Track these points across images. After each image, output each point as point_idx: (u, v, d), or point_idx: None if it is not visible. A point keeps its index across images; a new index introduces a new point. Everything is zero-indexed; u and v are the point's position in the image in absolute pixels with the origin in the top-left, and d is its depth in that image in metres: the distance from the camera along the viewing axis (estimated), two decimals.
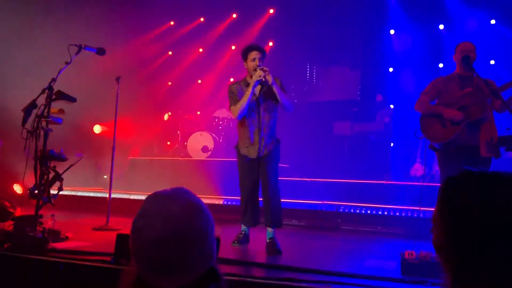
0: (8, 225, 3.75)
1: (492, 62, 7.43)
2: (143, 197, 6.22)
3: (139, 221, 1.07)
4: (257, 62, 4.00)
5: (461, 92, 3.71)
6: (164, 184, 1.20)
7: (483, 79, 3.56)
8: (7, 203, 4.04)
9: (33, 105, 3.84)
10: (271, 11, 9.14)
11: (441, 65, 7.74)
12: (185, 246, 1.04)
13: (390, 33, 8.45)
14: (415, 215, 4.73)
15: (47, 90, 3.89)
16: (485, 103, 3.58)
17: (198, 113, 9.32)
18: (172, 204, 1.07)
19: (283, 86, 4.14)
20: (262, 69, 3.93)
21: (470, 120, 3.59)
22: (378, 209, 5.42)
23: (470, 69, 3.67)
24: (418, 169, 7.04)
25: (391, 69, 8.49)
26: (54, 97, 3.93)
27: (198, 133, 7.98)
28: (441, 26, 7.97)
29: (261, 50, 4.06)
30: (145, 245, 1.04)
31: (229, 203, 5.97)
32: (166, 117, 8.96)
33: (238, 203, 6.07)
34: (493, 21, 7.55)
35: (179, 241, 1.04)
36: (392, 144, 7.92)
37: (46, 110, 3.88)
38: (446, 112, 3.68)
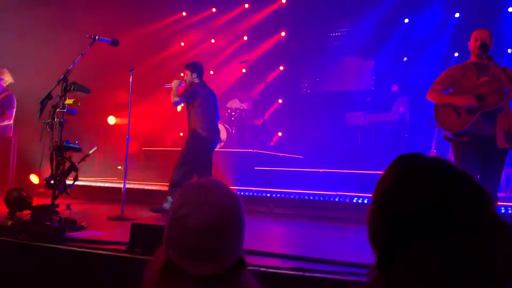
0: (25, 214, 3.81)
1: (510, 50, 7.28)
2: (157, 187, 6.29)
3: (182, 208, 1.08)
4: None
5: (477, 81, 3.64)
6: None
7: (500, 67, 3.49)
8: (24, 193, 4.11)
9: (48, 96, 3.89)
10: (283, 0, 9.06)
11: (456, 54, 7.61)
12: (227, 235, 1.07)
13: (404, 22, 8.32)
14: None
15: (62, 81, 3.93)
16: (502, 92, 3.50)
17: None
18: (216, 193, 1.10)
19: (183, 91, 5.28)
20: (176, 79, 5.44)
21: (487, 109, 3.52)
22: None
23: (487, 57, 3.60)
24: None
25: (405, 59, 8.37)
26: (69, 88, 3.96)
27: None
28: (457, 15, 7.83)
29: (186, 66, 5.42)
30: (188, 232, 1.05)
31: (242, 193, 5.98)
32: (179, 108, 8.97)
33: (252, 194, 6.13)
34: (510, 9, 7.39)
35: (223, 230, 1.06)
36: (406, 135, 7.84)
37: (61, 101, 3.92)
38: (460, 99, 3.61)
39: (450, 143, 3.80)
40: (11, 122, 6.11)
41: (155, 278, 1.08)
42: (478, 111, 3.54)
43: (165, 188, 5.41)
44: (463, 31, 7.35)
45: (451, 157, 5.56)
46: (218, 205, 1.08)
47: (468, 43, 3.80)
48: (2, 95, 5.91)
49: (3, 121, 5.97)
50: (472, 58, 3.78)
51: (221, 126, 7.91)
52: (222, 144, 7.80)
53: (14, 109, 6.11)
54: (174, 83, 5.33)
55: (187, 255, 1.06)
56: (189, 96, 5.25)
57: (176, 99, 5.27)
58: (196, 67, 5.38)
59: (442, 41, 7.67)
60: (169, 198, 5.04)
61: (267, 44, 9.27)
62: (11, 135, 6.20)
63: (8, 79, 6.08)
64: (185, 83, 5.35)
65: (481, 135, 3.56)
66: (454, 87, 3.77)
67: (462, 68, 3.80)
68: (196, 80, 5.35)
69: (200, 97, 5.23)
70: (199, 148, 5.21)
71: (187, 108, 5.37)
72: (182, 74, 5.48)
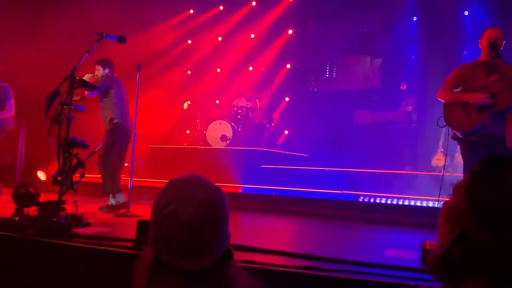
0: (33, 210, 3.83)
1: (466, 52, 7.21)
2: (163, 185, 6.29)
3: (170, 205, 1.08)
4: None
5: (487, 79, 3.60)
6: (184, 172, 1.21)
7: (510, 66, 3.45)
8: (31, 189, 4.13)
9: (56, 93, 3.90)
10: None
11: (465, 53, 7.54)
12: (216, 228, 1.09)
13: (413, 20, 8.26)
14: (436, 206, 4.66)
15: (69, 78, 3.94)
16: None
17: (217, 102, 9.34)
18: (201, 189, 1.10)
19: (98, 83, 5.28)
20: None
21: (497, 108, 3.48)
22: (398, 199, 5.36)
23: (497, 56, 3.56)
24: (440, 159, 6.91)
25: (413, 57, 8.32)
26: (76, 85, 3.98)
27: (217, 122, 8.00)
28: (466, 13, 7.75)
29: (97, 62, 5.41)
30: (179, 229, 1.06)
31: (248, 191, 5.98)
32: (185, 106, 8.99)
33: (257, 192, 6.12)
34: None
35: (210, 224, 1.08)
36: (413, 134, 7.79)
37: (68, 98, 3.93)
38: (473, 96, 3.56)
39: (458, 142, 3.77)
40: (12, 113, 6.04)
41: (144, 278, 1.08)
42: (488, 110, 3.50)
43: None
44: (472, 29, 7.31)
45: (459, 156, 5.52)
46: (206, 200, 1.09)
47: (479, 41, 3.75)
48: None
49: (4, 113, 5.91)
50: (482, 57, 3.74)
51: (227, 124, 7.91)
52: (228, 142, 7.81)
53: (13, 100, 6.05)
54: (85, 77, 5.20)
55: (178, 252, 1.06)
56: (104, 86, 5.26)
57: (89, 90, 5.23)
58: (107, 63, 5.42)
59: (451, 39, 7.59)
60: (118, 196, 5.15)
61: (274, 42, 9.26)
62: (14, 128, 6.14)
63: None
64: (96, 79, 5.34)
65: (490, 134, 3.53)
66: (463, 86, 3.74)
67: (472, 67, 3.76)
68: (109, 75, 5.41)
69: (114, 89, 5.29)
70: (121, 138, 5.30)
71: (102, 99, 5.35)
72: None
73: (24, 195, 4.00)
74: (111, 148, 5.20)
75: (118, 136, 5.28)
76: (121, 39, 4.61)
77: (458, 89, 3.78)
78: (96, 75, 5.38)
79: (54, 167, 3.99)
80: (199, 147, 7.92)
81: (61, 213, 3.70)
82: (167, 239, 1.07)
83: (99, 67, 5.40)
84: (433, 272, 0.94)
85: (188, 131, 9.27)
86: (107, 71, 5.39)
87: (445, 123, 3.73)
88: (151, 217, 1.14)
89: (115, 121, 5.25)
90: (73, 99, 4.00)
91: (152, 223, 1.12)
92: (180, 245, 1.06)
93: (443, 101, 3.78)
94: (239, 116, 8.25)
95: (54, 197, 3.85)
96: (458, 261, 0.89)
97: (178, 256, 1.06)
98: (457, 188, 0.95)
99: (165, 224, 1.08)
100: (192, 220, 1.06)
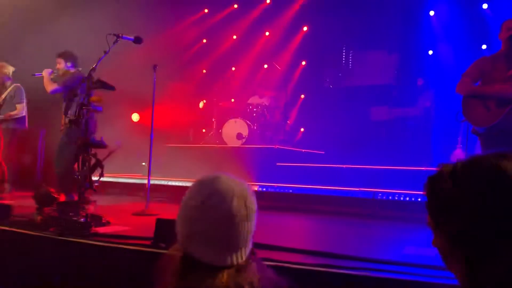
0: (53, 210, 3.90)
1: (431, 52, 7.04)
2: (180, 183, 6.34)
3: (210, 199, 1.09)
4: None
5: (507, 72, 3.52)
6: (200, 171, 1.22)
7: None
8: (51, 189, 4.21)
9: (74, 94, 3.96)
10: None
11: (484, 47, 7.40)
12: (250, 222, 1.12)
13: (429, 14, 8.13)
14: None
15: (87, 79, 3.99)
16: None
17: (232, 100, 9.35)
18: (236, 184, 1.13)
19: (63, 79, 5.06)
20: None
21: None
22: (416, 196, 5.29)
23: None
24: (458, 154, 6.81)
25: (430, 52, 8.19)
26: (94, 86, 4.03)
27: (232, 120, 8.01)
28: (485, 6, 7.60)
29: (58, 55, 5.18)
30: (218, 222, 1.07)
31: (264, 189, 5.98)
32: (201, 104, 9.04)
33: (273, 190, 6.11)
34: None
35: (249, 217, 1.11)
36: (431, 130, 7.68)
37: (86, 99, 3.99)
38: (493, 89, 3.48)
39: (478, 137, 3.70)
40: (23, 114, 6.05)
41: (174, 277, 1.08)
42: (509, 104, 3.42)
43: (188, 184, 5.44)
44: (491, 23, 7.17)
45: (478, 151, 5.43)
46: (244, 192, 1.12)
47: (499, 34, 3.67)
48: (10, 88, 5.95)
49: (14, 113, 5.93)
50: (503, 49, 3.66)
51: (242, 122, 7.92)
52: (244, 140, 7.81)
53: (25, 100, 6.02)
54: (45, 71, 5.10)
55: (216, 247, 1.07)
56: (70, 84, 4.99)
57: (53, 87, 5.02)
58: (70, 56, 5.18)
59: (469, 34, 7.46)
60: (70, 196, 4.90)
61: (289, 39, 9.22)
62: (27, 128, 6.19)
63: (10, 70, 6.04)
64: (56, 73, 5.14)
65: (510, 129, 3.45)
66: (483, 79, 3.66)
67: (491, 59, 3.68)
68: (72, 69, 5.16)
69: (79, 86, 4.94)
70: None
71: (65, 96, 5.08)
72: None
73: (45, 195, 4.08)
74: (71, 146, 4.82)
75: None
76: (137, 40, 4.64)
77: (478, 83, 3.71)
78: (57, 68, 5.17)
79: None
80: (215, 145, 7.95)
81: (80, 212, 3.76)
82: (204, 235, 1.07)
83: (60, 60, 5.17)
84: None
85: (204, 130, 9.31)
86: (69, 64, 5.16)
87: (464, 118, 3.67)
88: (181, 215, 1.13)
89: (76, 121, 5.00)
90: (91, 99, 4.06)
91: (182, 221, 1.12)
92: (218, 240, 1.07)
93: (462, 95, 3.71)
94: (254, 114, 8.25)
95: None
96: None
97: (215, 252, 1.07)
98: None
99: (205, 218, 1.08)
100: (237, 211, 1.08)
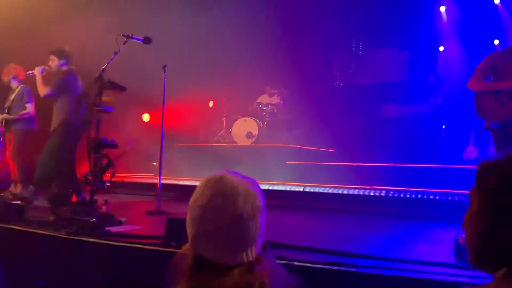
0: (66, 210, 3.94)
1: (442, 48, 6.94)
2: (191, 183, 6.36)
3: (215, 199, 1.09)
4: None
5: None
6: (211, 170, 1.21)
7: None
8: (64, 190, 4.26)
9: (85, 94, 4.00)
10: None
11: (496, 42, 7.30)
12: (259, 220, 1.11)
13: (440, 10, 8.05)
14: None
15: (97, 80, 4.03)
16: None
17: (242, 99, 9.34)
18: (242, 182, 1.12)
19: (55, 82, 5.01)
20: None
21: None
22: (429, 193, 5.24)
23: None
24: (471, 151, 6.73)
25: (441, 48, 8.11)
26: (104, 86, 4.06)
27: (242, 119, 8.02)
28: (497, 1, 7.50)
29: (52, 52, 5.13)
30: (225, 222, 1.07)
31: (274, 188, 5.97)
32: (211, 104, 9.06)
33: (284, 188, 6.10)
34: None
35: (257, 215, 1.10)
36: (444, 126, 7.61)
37: (97, 99, 4.02)
38: (507, 84, 3.42)
39: (491, 133, 3.65)
40: (33, 113, 6.06)
41: (187, 276, 1.09)
42: None
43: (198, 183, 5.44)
44: (503, 18, 7.07)
45: (491, 148, 5.37)
46: (251, 191, 1.11)
47: (510, 28, 3.63)
48: (18, 89, 5.99)
49: (25, 113, 5.95)
50: None
51: (252, 121, 7.92)
52: (253, 139, 7.81)
53: (33, 100, 5.93)
54: (37, 70, 5.03)
55: (225, 246, 1.07)
56: (62, 87, 4.94)
57: (47, 91, 4.95)
58: (63, 54, 5.09)
59: (481, 29, 7.36)
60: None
61: (299, 36, 9.17)
62: (37, 127, 6.20)
63: (17, 72, 6.06)
64: (49, 70, 5.09)
65: None
66: (495, 74, 3.61)
67: (504, 54, 3.63)
68: (64, 68, 5.07)
69: (72, 86, 4.96)
70: (75, 139, 4.98)
71: (57, 97, 5.03)
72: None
73: (58, 196, 4.13)
74: (61, 149, 4.93)
75: (70, 137, 4.97)
76: (147, 40, 4.67)
77: (490, 78, 3.66)
78: (49, 65, 5.11)
79: (85, 167, 4.10)
80: (225, 144, 7.96)
81: (93, 212, 3.80)
82: (212, 234, 1.07)
83: (53, 58, 5.10)
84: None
85: (213, 129, 9.32)
86: (62, 62, 5.08)
87: (477, 114, 3.62)
88: (190, 215, 1.13)
89: (70, 120, 4.92)
90: (102, 100, 4.09)
91: (190, 221, 1.12)
92: (227, 239, 1.07)
93: (475, 91, 3.66)
94: (264, 113, 8.25)
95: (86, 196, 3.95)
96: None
97: (224, 251, 1.07)
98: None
99: (211, 218, 1.08)
100: (242, 210, 1.07)
